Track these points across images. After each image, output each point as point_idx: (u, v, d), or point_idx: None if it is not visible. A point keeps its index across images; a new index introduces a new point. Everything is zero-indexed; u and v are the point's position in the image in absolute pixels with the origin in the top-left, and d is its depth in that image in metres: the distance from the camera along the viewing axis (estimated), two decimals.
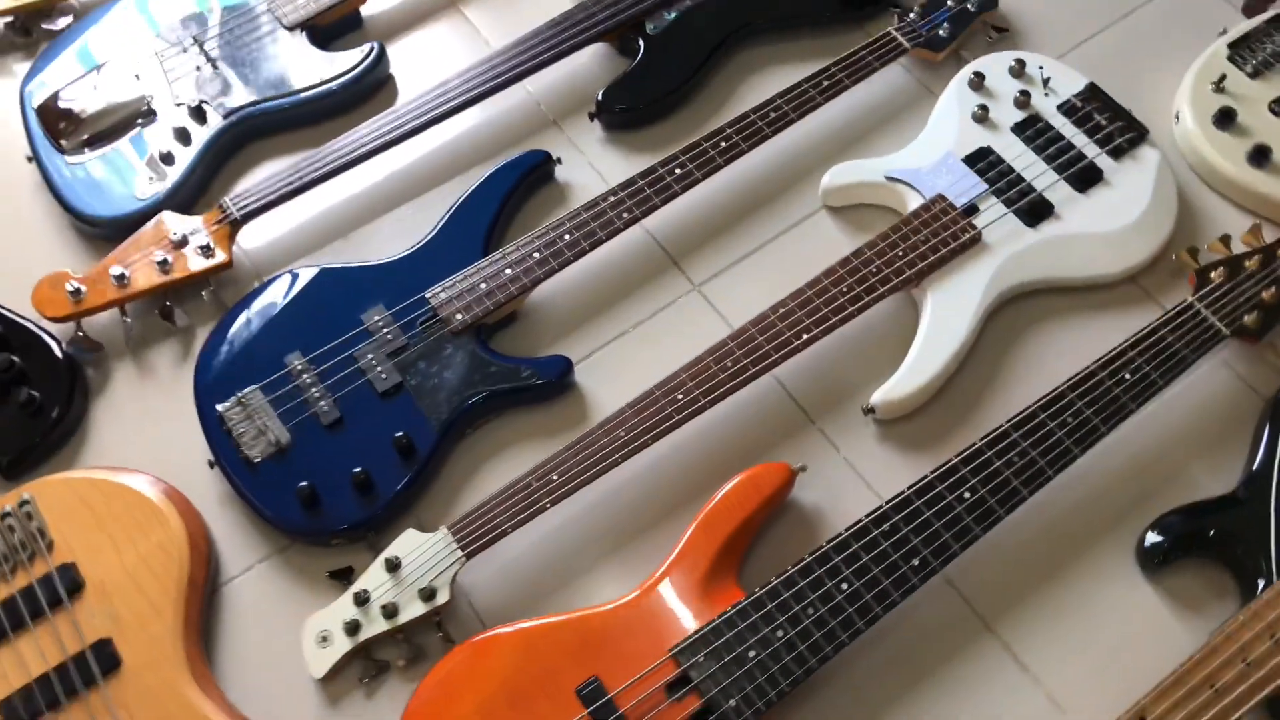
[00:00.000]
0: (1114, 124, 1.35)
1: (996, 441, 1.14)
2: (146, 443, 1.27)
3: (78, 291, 1.27)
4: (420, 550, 1.13)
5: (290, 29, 1.46)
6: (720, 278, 1.35)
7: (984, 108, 1.37)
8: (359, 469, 1.17)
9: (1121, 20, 1.50)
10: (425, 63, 1.52)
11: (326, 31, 1.50)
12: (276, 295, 1.29)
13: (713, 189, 1.38)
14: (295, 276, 1.30)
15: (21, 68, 1.52)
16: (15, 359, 1.25)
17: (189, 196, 1.39)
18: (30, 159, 1.40)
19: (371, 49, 1.46)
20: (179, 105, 1.41)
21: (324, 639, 1.11)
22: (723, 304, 1.33)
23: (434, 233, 1.32)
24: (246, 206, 1.33)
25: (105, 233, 1.36)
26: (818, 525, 1.19)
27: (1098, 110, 1.36)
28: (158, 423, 1.28)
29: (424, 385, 1.22)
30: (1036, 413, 1.16)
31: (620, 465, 1.15)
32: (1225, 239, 1.28)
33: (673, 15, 1.46)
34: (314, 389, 1.22)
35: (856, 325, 1.25)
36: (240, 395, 1.22)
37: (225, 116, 1.41)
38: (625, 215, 1.31)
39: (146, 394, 1.30)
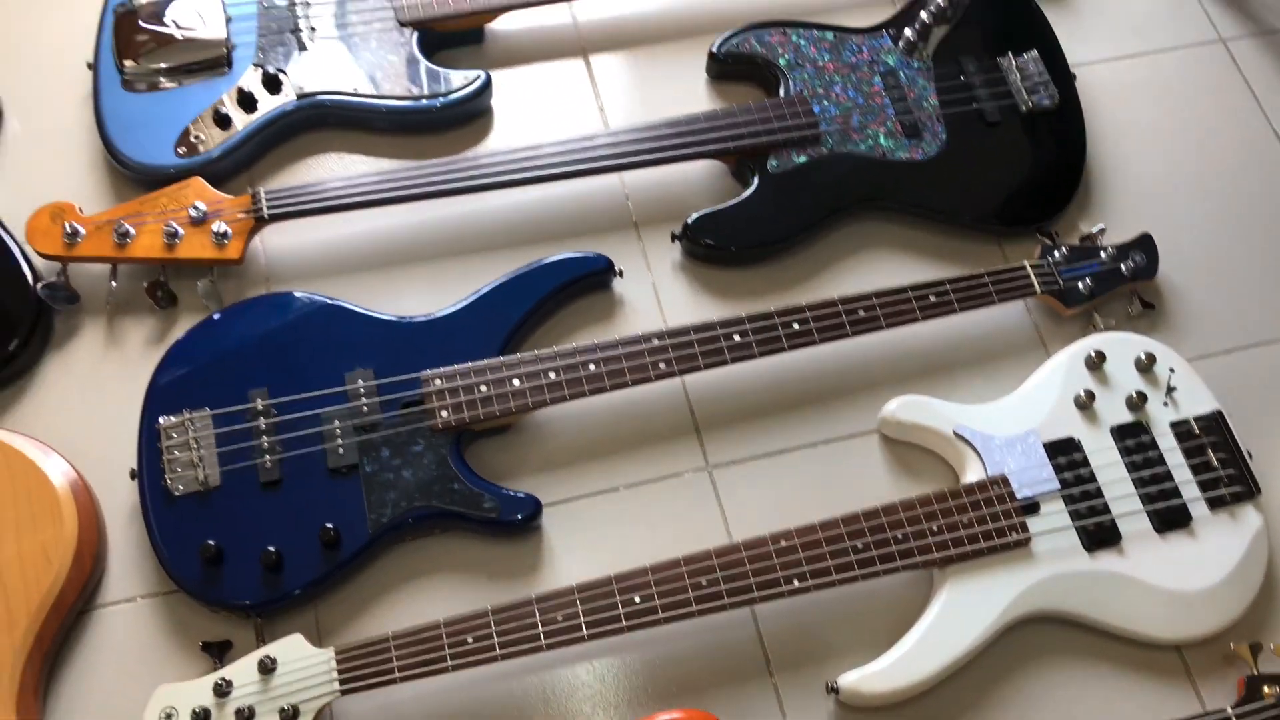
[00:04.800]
0: (1226, 469, 1.17)
1: None
2: (84, 419, 1.17)
3: (75, 234, 1.17)
4: (300, 664, 1.01)
5: (403, 25, 1.33)
6: (739, 468, 1.20)
7: (1091, 394, 1.19)
8: (274, 548, 1.06)
9: None
10: (530, 104, 1.38)
11: (441, 38, 1.37)
12: (271, 315, 1.17)
13: (766, 365, 1.23)
14: (298, 301, 1.18)
15: None
16: None
17: (229, 168, 1.27)
18: (90, 67, 1.30)
19: (479, 78, 1.33)
20: (256, 67, 1.29)
21: (168, 716, 1.00)
22: (730, 499, 1.19)
23: (456, 308, 1.20)
24: (279, 207, 1.21)
25: (131, 176, 1.26)
26: None
27: (1214, 446, 1.18)
28: (104, 402, 1.17)
29: (378, 476, 1.10)
30: None
31: (544, 652, 1.03)
32: None
33: (801, 159, 1.30)
34: (265, 438, 1.10)
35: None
36: (189, 415, 1.11)
37: (300, 96, 1.29)
38: (662, 366, 1.17)
39: (106, 367, 1.19)
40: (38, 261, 1.20)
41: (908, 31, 1.39)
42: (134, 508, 1.12)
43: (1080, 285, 1.28)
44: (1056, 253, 1.29)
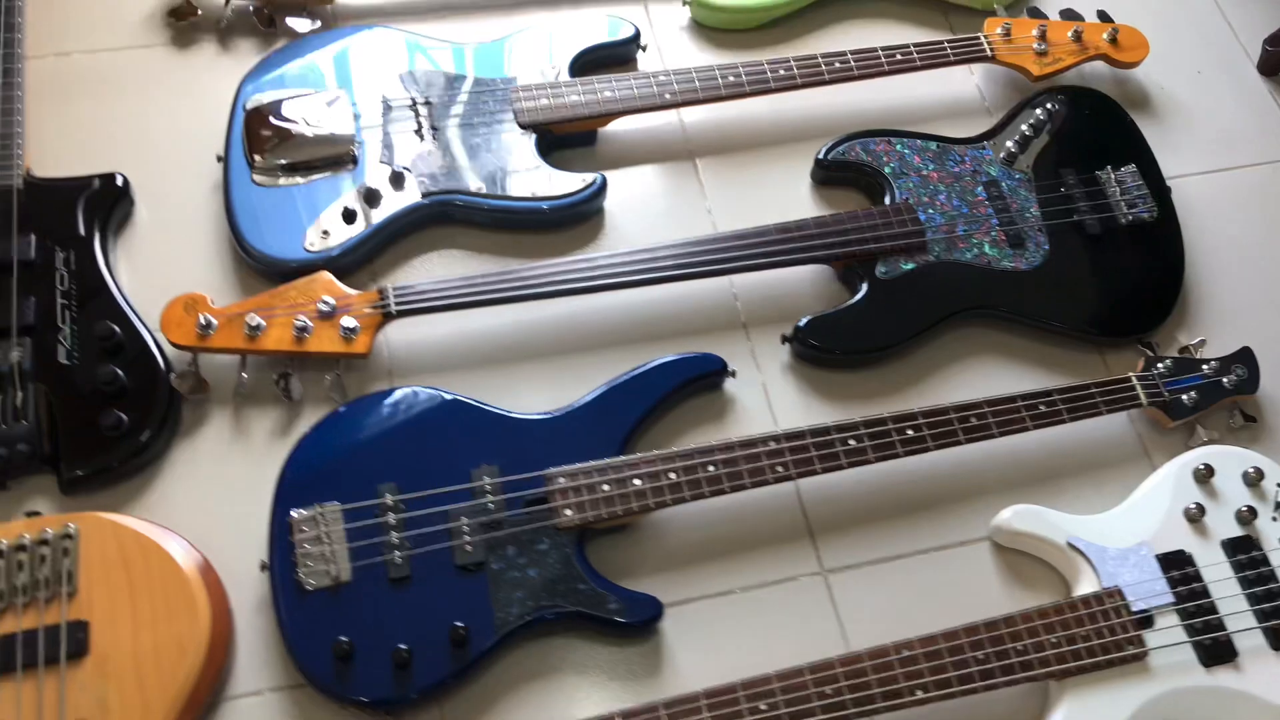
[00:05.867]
0: None
1: None
2: (210, 509, 1.18)
3: (208, 326, 1.19)
4: None
5: (523, 127, 1.37)
6: (853, 572, 1.22)
7: (1201, 508, 1.21)
8: (405, 645, 1.07)
9: None
10: (640, 204, 1.42)
11: (557, 139, 1.41)
12: (399, 409, 1.19)
13: (877, 471, 1.24)
14: (423, 397, 1.20)
15: (249, 53, 1.46)
16: (121, 374, 1.18)
17: (353, 263, 1.30)
18: (220, 160, 1.34)
19: (595, 181, 1.36)
20: (383, 164, 1.33)
21: None
22: (845, 603, 1.20)
23: (577, 406, 1.22)
24: (407, 304, 1.24)
25: (258, 267, 1.29)
26: None
27: None
28: (230, 492, 1.19)
29: (505, 575, 1.11)
30: None
31: None
32: None
33: (909, 266, 1.33)
34: (394, 534, 1.12)
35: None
36: (320, 508, 1.12)
37: (425, 195, 1.32)
38: (779, 469, 1.19)
39: (232, 457, 1.21)
40: (168, 350, 1.22)
41: (1009, 143, 1.43)
42: (260, 599, 1.13)
43: (1185, 398, 1.29)
44: (1160, 365, 1.31)
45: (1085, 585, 1.18)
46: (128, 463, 1.17)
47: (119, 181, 1.31)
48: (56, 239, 1.25)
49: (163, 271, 1.30)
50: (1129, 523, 1.22)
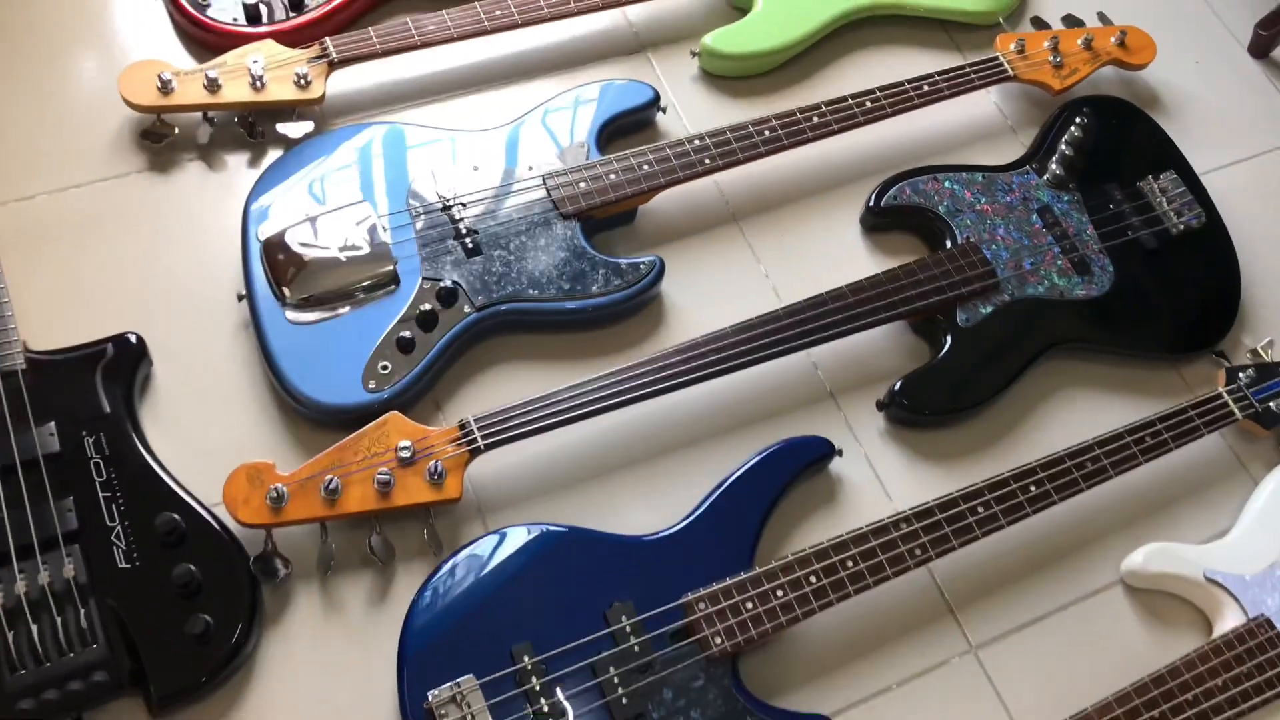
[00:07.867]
0: None
1: None
2: (319, 701, 1.06)
3: (280, 497, 1.06)
4: None
5: (565, 217, 1.27)
6: (1001, 643, 1.17)
7: None
8: None
9: None
10: (694, 278, 1.33)
11: (598, 223, 1.31)
12: (510, 553, 1.09)
13: (1003, 534, 1.20)
14: (537, 534, 1.10)
15: (239, 168, 1.31)
16: (196, 571, 1.03)
17: (415, 395, 1.18)
18: (241, 298, 1.19)
19: (654, 264, 1.27)
20: (427, 282, 1.21)
21: None
22: (1000, 677, 1.15)
23: (695, 516, 1.13)
24: (495, 435, 1.13)
25: (313, 416, 1.16)
26: None
27: None
28: (336, 678, 1.07)
29: None
30: None
31: None
32: None
33: (988, 309, 1.29)
34: (543, 700, 1.01)
35: None
36: (457, 686, 1.01)
37: (479, 309, 1.21)
38: (918, 553, 1.13)
39: (330, 638, 1.08)
40: (234, 529, 1.08)
41: (1051, 164, 1.40)
42: None
43: (1274, 405, 1.29)
44: (1242, 375, 1.31)
45: (1230, 617, 1.17)
46: (225, 668, 1.03)
47: (133, 340, 1.16)
48: (79, 422, 1.09)
49: (200, 435, 1.16)
50: (1255, 544, 1.21)
